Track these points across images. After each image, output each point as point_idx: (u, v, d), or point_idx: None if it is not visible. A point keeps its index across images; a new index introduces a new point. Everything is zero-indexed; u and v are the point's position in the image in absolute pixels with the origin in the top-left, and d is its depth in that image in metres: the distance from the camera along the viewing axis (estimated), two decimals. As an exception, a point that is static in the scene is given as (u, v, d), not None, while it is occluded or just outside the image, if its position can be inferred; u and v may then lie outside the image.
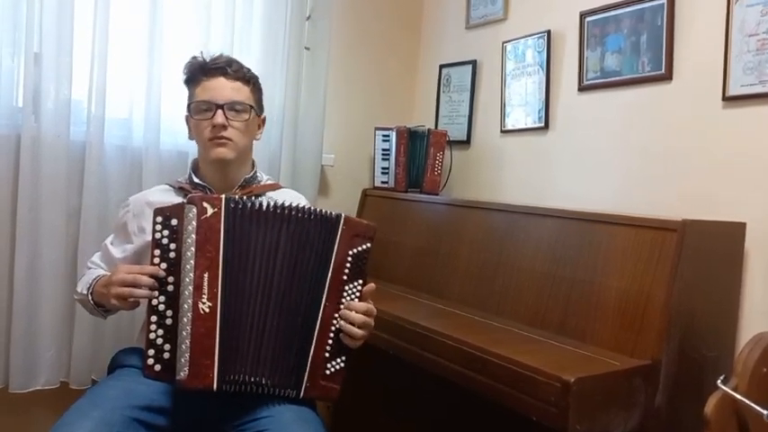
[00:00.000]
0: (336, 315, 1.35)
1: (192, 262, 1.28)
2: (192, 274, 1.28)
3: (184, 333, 1.27)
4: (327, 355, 1.34)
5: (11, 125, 1.91)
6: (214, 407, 1.36)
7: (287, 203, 1.36)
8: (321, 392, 1.35)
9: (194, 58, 1.57)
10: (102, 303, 1.45)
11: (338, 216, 1.37)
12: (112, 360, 1.53)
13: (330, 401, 1.36)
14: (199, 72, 1.55)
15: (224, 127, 1.49)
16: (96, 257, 1.62)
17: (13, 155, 1.91)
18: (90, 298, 1.47)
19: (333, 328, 1.35)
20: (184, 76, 1.58)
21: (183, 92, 2.10)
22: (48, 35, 1.89)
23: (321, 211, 1.37)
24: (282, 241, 1.35)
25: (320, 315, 1.34)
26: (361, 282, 1.37)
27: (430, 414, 2.01)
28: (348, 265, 1.35)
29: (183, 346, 1.26)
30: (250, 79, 1.58)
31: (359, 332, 1.34)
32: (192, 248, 1.29)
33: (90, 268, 1.60)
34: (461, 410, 1.88)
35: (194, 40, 2.17)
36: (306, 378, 1.33)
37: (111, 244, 1.60)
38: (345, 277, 1.35)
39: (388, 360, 1.75)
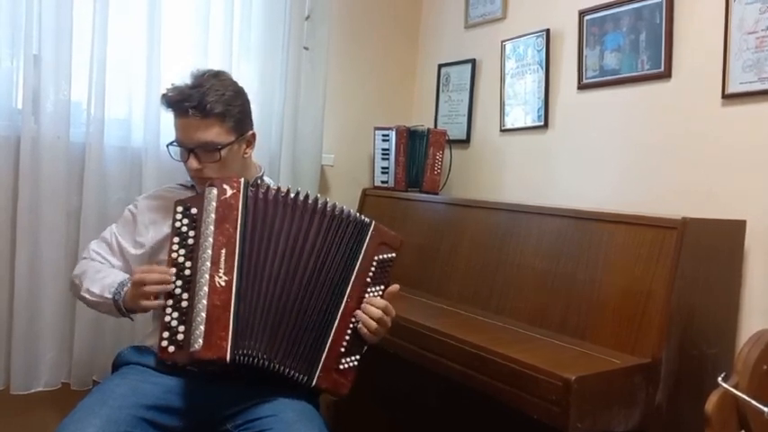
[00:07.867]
0: (356, 313, 1.39)
1: (211, 239, 1.34)
2: (209, 251, 1.33)
3: (200, 306, 1.29)
4: (343, 350, 1.38)
5: (10, 126, 1.91)
6: (219, 405, 1.37)
7: (321, 198, 1.43)
8: (332, 385, 1.37)
9: (166, 90, 1.47)
10: (133, 309, 1.41)
11: (370, 222, 1.45)
12: (117, 357, 1.52)
13: (338, 396, 1.40)
14: (168, 108, 1.48)
15: (199, 170, 1.49)
16: (100, 248, 1.56)
17: (12, 156, 1.91)
18: (120, 304, 1.41)
19: (351, 325, 1.39)
20: None
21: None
22: (47, 36, 1.89)
23: (354, 213, 1.45)
24: (314, 231, 1.41)
25: (341, 310, 1.39)
26: (382, 287, 1.43)
27: (431, 413, 2.01)
28: (372, 269, 1.42)
29: (199, 319, 1.28)
30: (220, 112, 1.44)
31: (374, 324, 1.38)
32: (212, 227, 1.35)
33: (92, 259, 1.54)
34: (463, 409, 1.88)
35: (193, 40, 2.17)
36: (320, 368, 1.36)
37: (120, 235, 1.56)
38: (369, 279, 1.42)
39: (388, 359, 1.75)
